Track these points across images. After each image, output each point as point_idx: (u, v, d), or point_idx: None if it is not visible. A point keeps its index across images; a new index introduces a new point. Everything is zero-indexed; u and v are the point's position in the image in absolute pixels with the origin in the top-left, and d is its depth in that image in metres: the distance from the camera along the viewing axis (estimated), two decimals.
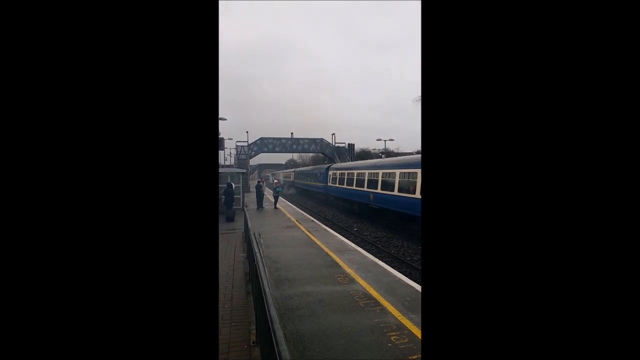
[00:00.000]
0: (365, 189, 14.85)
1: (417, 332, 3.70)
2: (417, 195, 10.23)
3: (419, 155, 13.98)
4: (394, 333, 3.67)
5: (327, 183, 21.66)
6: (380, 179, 13.47)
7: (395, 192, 11.93)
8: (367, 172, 15.01)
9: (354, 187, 16.28)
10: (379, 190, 13.47)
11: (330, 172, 21.27)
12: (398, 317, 4.06)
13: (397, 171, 12.09)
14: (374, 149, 45.88)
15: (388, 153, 36.79)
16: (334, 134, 38.98)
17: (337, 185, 19.52)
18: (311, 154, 51.29)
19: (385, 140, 35.52)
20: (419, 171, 10.38)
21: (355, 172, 16.47)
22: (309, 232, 10.08)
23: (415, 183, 10.62)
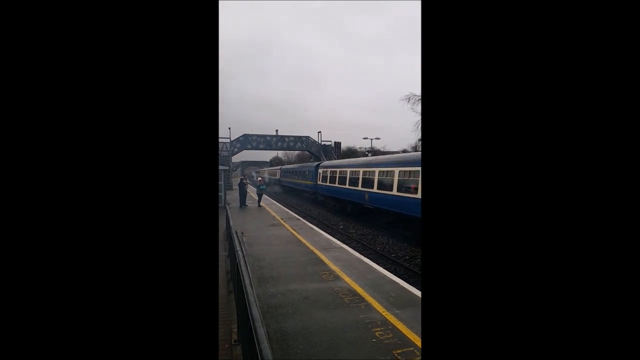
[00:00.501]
0: (359, 188, 14.19)
1: (402, 327, 3.75)
2: (419, 195, 9.69)
3: (419, 153, 13.68)
4: (378, 328, 3.70)
5: (316, 182, 21.00)
6: (377, 177, 12.81)
7: (394, 192, 11.30)
8: (361, 170, 14.35)
9: (347, 186, 15.67)
10: (375, 190, 12.80)
11: (321, 170, 20.35)
12: (383, 313, 4.10)
13: (397, 169, 11.44)
14: (361, 148, 46.17)
15: (375, 152, 37.07)
16: (320, 132, 38.91)
17: (327, 184, 18.84)
18: (297, 152, 51.14)
19: (371, 139, 35.78)
20: (420, 169, 9.86)
21: (349, 170, 15.88)
22: (294, 230, 10.05)
23: (417, 182, 10.04)
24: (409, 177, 10.63)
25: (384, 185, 12.18)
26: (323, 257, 6.82)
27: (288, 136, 37.31)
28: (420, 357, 3.17)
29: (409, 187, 10.46)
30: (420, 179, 9.74)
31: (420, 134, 23.73)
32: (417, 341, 3.45)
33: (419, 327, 3.76)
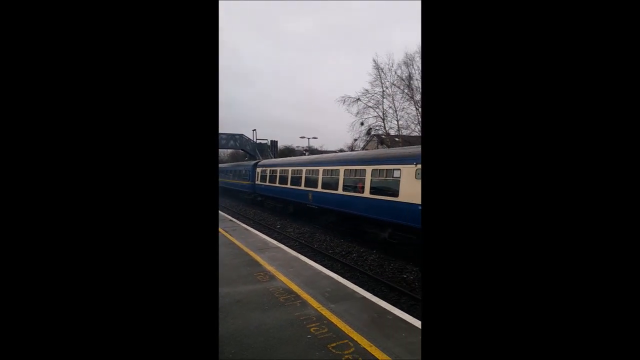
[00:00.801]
0: (302, 187, 13.86)
1: (336, 321, 3.86)
2: (366, 194, 9.76)
3: (366, 152, 13.45)
4: (313, 324, 3.76)
5: (255, 181, 20.27)
6: (321, 176, 12.53)
7: (340, 191, 11.12)
8: (304, 169, 14.03)
9: (289, 186, 15.25)
10: (319, 189, 12.54)
11: (259, 169, 19.75)
12: (318, 309, 4.18)
13: (342, 168, 11.23)
14: (298, 147, 46.42)
15: (312, 151, 37.59)
16: (254, 130, 38.20)
17: (267, 183, 18.13)
18: (230, 150, 49.51)
19: (309, 138, 36.20)
20: (367, 168, 9.91)
21: (290, 169, 15.48)
22: (227, 232, 9.72)
23: (363, 181, 9.96)
24: (355, 175, 10.57)
25: (329, 184, 11.99)
26: (258, 258, 6.70)
27: (220, 134, 35.91)
28: (354, 348, 3.30)
29: (356, 186, 10.41)
30: (366, 177, 9.87)
31: (355, 134, 24.70)
32: (351, 333, 3.58)
33: (352, 319, 3.91)
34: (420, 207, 7.67)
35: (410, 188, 8.13)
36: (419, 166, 7.82)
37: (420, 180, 7.83)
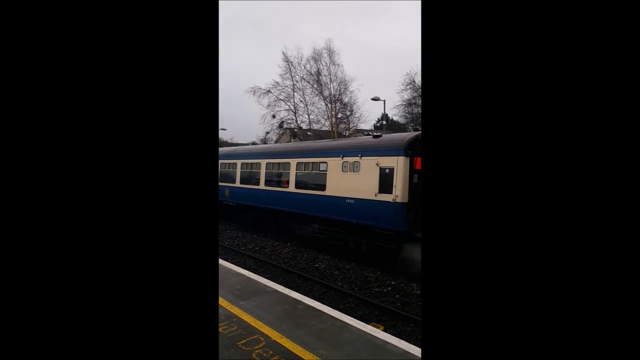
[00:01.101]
0: (218, 183, 12.95)
1: (247, 317, 3.80)
2: (292, 189, 9.44)
3: (289, 144, 12.99)
4: (222, 324, 3.64)
5: None
6: (239, 170, 11.86)
7: (262, 187, 10.60)
8: (219, 162, 13.05)
9: None
10: (238, 185, 11.86)
11: None
12: (227, 307, 4.05)
13: (263, 161, 10.66)
14: None
15: (221, 143, 36.03)
16: None
17: None
18: None
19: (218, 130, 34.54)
20: (292, 161, 9.56)
21: None
22: None
23: (288, 174, 9.58)
24: (279, 169, 10.09)
25: (250, 179, 11.33)
26: None
27: None
28: (264, 342, 3.28)
29: (280, 181, 9.99)
30: (291, 171, 9.56)
31: (267, 127, 24.45)
32: (262, 328, 3.57)
33: (263, 314, 3.90)
34: (347, 200, 7.82)
35: (337, 181, 8.17)
36: (346, 159, 8.01)
37: (346, 173, 7.95)
